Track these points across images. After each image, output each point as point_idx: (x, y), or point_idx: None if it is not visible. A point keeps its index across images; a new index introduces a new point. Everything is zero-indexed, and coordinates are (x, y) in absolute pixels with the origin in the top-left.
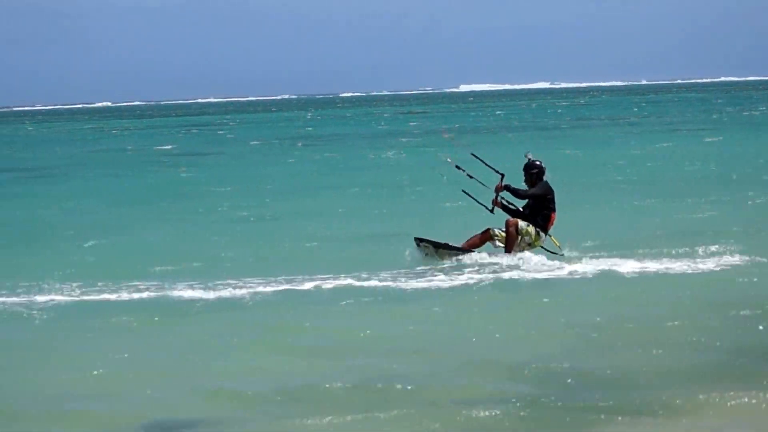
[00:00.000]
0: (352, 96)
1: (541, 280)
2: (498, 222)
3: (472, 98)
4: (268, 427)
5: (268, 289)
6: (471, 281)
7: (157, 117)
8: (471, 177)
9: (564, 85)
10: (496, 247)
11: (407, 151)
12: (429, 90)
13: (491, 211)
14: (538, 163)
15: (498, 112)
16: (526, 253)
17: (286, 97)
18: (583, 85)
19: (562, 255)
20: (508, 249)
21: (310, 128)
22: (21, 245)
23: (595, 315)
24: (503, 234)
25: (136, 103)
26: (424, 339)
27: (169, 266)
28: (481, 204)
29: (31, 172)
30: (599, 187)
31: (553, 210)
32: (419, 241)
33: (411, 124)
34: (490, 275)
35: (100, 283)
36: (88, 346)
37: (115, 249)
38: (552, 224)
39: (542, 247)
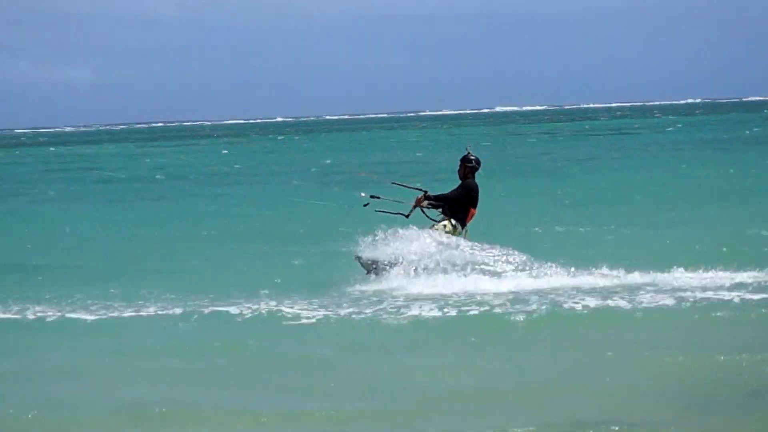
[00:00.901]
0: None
1: None
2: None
3: None
4: None
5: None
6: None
7: (556, 122)
8: (386, 201)
9: None
10: None
11: None
12: None
13: (407, 216)
14: (473, 157)
15: None
16: None
17: (690, 101)
18: None
19: None
20: None
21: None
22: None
23: None
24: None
25: (542, 107)
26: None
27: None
28: (396, 213)
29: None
30: None
31: (474, 206)
32: (358, 258)
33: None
34: None
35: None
36: (454, 354)
37: None
38: (470, 219)
39: None
